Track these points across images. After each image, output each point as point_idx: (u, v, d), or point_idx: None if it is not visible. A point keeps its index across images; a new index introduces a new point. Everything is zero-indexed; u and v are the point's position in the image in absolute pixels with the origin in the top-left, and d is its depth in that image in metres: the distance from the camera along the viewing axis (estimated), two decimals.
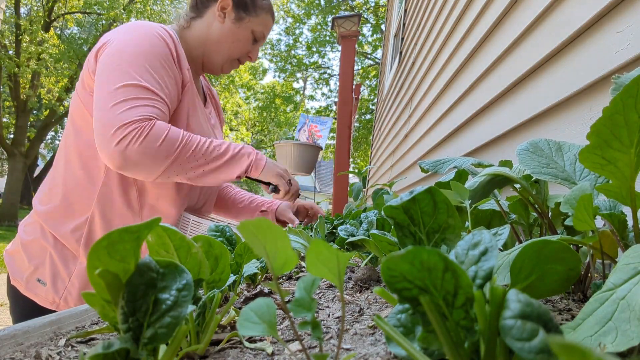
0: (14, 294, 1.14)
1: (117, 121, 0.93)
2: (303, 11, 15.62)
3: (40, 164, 21.64)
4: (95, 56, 1.07)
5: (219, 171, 1.05)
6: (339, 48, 5.70)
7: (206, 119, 1.26)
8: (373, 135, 7.13)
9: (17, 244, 1.16)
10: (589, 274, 0.54)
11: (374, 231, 0.64)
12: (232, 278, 0.52)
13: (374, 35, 14.85)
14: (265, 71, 17.88)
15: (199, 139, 1.04)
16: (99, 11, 12.47)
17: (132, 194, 1.12)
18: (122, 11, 11.96)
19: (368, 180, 5.65)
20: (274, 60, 16.52)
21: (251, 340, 0.44)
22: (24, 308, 1.12)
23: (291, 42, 16.35)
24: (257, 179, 1.14)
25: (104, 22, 12.94)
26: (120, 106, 0.94)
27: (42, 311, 1.07)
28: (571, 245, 0.48)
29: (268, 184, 1.20)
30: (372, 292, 0.65)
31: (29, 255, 1.12)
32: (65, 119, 16.94)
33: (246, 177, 1.12)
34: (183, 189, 1.19)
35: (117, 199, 1.11)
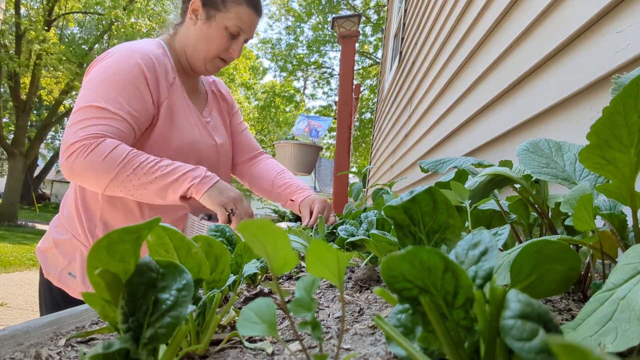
0: (47, 286, 1.28)
1: (71, 138, 1.04)
2: (304, 10, 15.63)
3: (40, 164, 21.65)
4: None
5: (160, 190, 1.07)
6: (339, 47, 5.70)
7: (199, 121, 1.30)
8: (373, 135, 7.13)
9: (49, 242, 1.30)
10: (589, 274, 0.54)
11: (374, 231, 0.64)
12: (232, 278, 0.52)
13: (375, 35, 14.86)
14: (265, 71, 17.87)
15: (146, 158, 1.07)
16: (99, 11, 12.47)
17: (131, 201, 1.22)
18: (123, 11, 11.96)
19: (368, 180, 5.64)
20: (275, 59, 16.52)
21: (251, 340, 0.44)
22: (56, 298, 1.26)
23: (292, 41, 16.36)
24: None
25: (104, 22, 12.95)
26: (76, 125, 1.05)
27: (73, 301, 1.23)
28: (571, 245, 0.49)
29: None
30: (372, 292, 0.65)
31: (62, 252, 1.26)
32: (66, 119, 16.95)
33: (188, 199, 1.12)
34: None
35: (119, 202, 1.21)
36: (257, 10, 1.27)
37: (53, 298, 1.28)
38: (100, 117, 1.06)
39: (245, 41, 1.30)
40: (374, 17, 14.70)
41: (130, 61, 1.12)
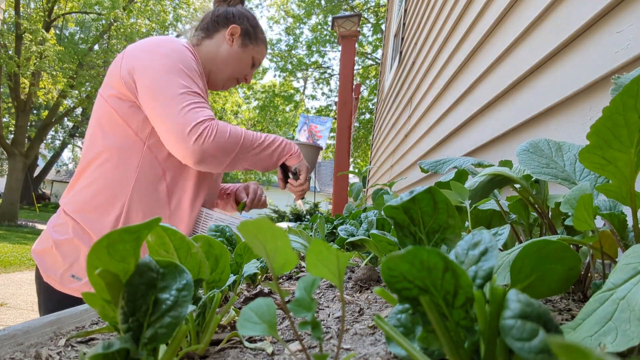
0: (46, 289, 1.21)
1: (188, 123, 1.10)
2: (303, 11, 15.62)
3: (41, 164, 21.64)
4: (119, 66, 1.20)
5: (268, 156, 1.28)
6: (339, 48, 5.70)
7: None
8: (373, 135, 7.12)
9: (46, 244, 1.23)
10: (589, 274, 0.54)
11: (374, 231, 0.64)
12: (232, 278, 0.52)
13: (374, 35, 14.85)
14: (265, 71, 17.86)
15: (251, 132, 1.24)
16: (99, 11, 12.46)
17: (162, 189, 1.26)
18: (122, 11, 11.96)
19: (368, 180, 5.64)
20: (275, 59, 16.52)
21: (251, 340, 0.44)
22: (58, 302, 1.19)
23: (291, 41, 16.35)
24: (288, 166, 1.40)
25: (104, 21, 12.95)
26: (185, 110, 1.11)
27: (78, 302, 1.18)
28: (571, 245, 0.49)
29: (292, 173, 1.43)
30: (372, 292, 0.65)
31: (62, 253, 1.20)
32: (66, 119, 16.96)
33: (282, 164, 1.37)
34: (203, 185, 1.35)
35: (149, 194, 1.24)
36: (267, 49, 1.51)
37: (54, 302, 1.21)
38: (199, 102, 1.15)
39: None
40: (372, 18, 14.71)
41: (187, 52, 1.22)
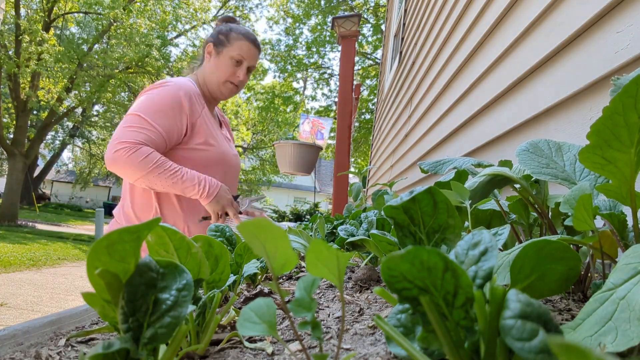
0: None
1: (120, 138, 1.39)
2: (303, 11, 15.60)
3: (40, 164, 21.63)
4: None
5: (179, 190, 1.47)
6: (339, 48, 5.69)
7: (222, 135, 1.70)
8: (373, 135, 7.12)
9: None
10: (589, 274, 0.54)
11: (374, 231, 0.64)
12: (232, 278, 0.52)
13: (374, 35, 14.84)
14: (265, 71, 17.85)
15: (174, 168, 1.44)
16: (99, 11, 12.45)
17: (173, 198, 1.54)
18: (122, 11, 11.95)
19: (368, 180, 5.64)
20: (274, 60, 16.51)
21: (251, 340, 0.44)
22: None
23: (291, 42, 16.34)
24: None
25: (104, 21, 12.94)
26: (126, 129, 1.41)
27: None
28: (571, 245, 0.48)
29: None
30: (372, 292, 0.65)
31: None
32: (65, 119, 16.93)
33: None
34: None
35: (173, 202, 1.53)
36: (254, 43, 1.67)
37: None
38: (142, 127, 1.41)
39: (249, 70, 1.68)
40: (372, 18, 14.71)
41: (177, 93, 1.50)
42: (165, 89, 1.51)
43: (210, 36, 1.69)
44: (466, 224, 0.59)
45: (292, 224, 1.57)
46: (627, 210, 0.46)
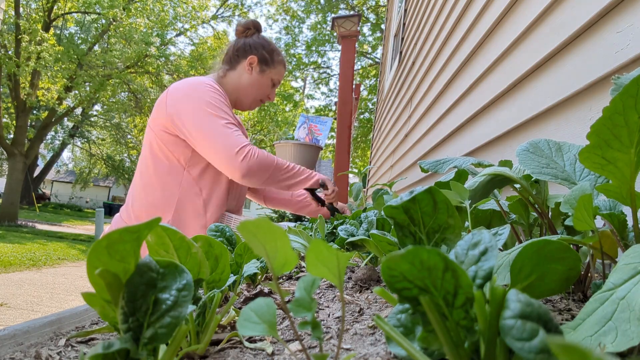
0: None
1: (235, 146, 1.36)
2: (302, 9, 15.59)
3: (40, 164, 21.63)
4: (165, 104, 1.44)
5: (295, 184, 1.54)
6: (339, 48, 5.69)
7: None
8: (373, 135, 7.12)
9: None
10: (589, 274, 0.54)
11: (374, 231, 0.64)
12: (232, 278, 0.52)
13: (374, 34, 14.83)
14: None
15: (281, 160, 1.49)
16: (98, 11, 12.44)
17: (199, 203, 1.51)
18: (122, 11, 11.94)
19: (368, 180, 5.63)
20: None
21: (251, 340, 0.44)
22: None
23: (290, 41, 16.33)
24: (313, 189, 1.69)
25: (103, 21, 12.93)
26: (231, 137, 1.38)
27: None
28: (571, 245, 0.48)
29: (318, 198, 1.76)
30: (372, 292, 0.65)
31: None
32: (65, 119, 16.94)
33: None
34: (230, 197, 1.61)
35: (189, 207, 1.50)
36: (286, 67, 1.73)
37: None
38: (237, 131, 1.41)
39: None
40: (372, 17, 14.70)
41: (216, 91, 1.47)
42: (206, 87, 1.46)
43: (252, 47, 1.63)
44: (466, 224, 0.59)
45: (292, 224, 1.59)
46: (627, 210, 0.46)
